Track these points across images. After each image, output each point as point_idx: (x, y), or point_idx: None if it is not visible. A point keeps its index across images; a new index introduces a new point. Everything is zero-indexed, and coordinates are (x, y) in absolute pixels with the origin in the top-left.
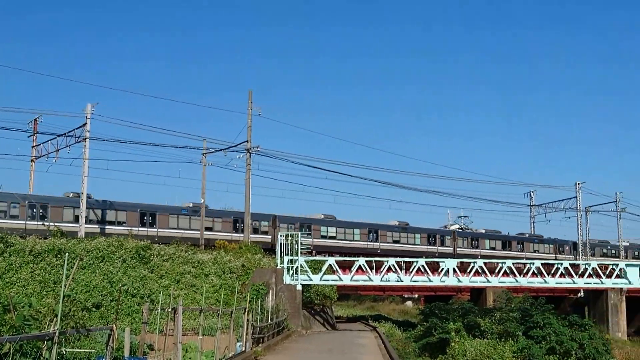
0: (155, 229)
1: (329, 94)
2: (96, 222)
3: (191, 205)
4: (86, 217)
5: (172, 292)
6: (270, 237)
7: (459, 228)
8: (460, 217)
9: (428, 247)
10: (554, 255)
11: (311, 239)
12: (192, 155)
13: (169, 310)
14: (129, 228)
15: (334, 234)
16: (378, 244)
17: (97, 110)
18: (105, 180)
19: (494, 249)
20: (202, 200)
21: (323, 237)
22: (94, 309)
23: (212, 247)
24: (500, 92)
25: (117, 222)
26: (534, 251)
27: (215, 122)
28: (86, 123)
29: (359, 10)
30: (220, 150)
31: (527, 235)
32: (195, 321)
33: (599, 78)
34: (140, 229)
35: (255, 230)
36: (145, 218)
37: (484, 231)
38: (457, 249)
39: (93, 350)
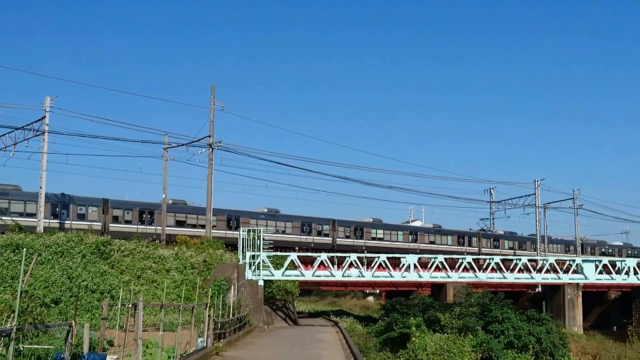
0: (417, 244)
1: (294, 93)
2: (192, 225)
3: (266, 210)
4: (183, 221)
5: (132, 287)
6: (330, 239)
7: (481, 229)
8: (482, 219)
9: (458, 247)
10: (561, 254)
11: (314, 238)
12: (154, 150)
13: (129, 306)
14: (218, 231)
15: (382, 236)
16: (417, 244)
17: (56, 103)
18: (64, 174)
19: (512, 248)
20: (164, 196)
21: (373, 238)
22: (52, 305)
23: (174, 243)
24: (461, 92)
25: (392, 239)
26: (543, 250)
27: (177, 116)
28: (45, 116)
29: (323, 13)
30: (182, 145)
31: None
32: (156, 317)
33: (556, 77)
34: (227, 232)
35: (319, 233)
36: (231, 222)
37: (502, 232)
38: (482, 248)
39: (51, 347)
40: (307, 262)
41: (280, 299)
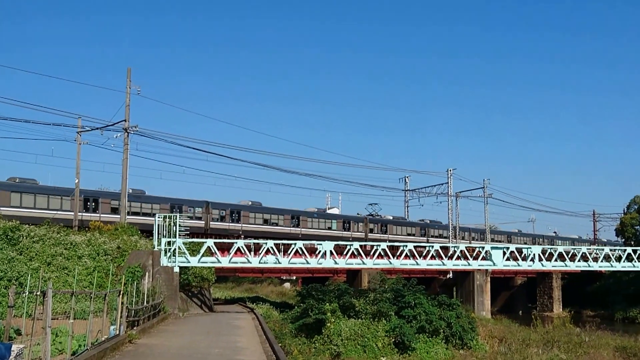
0: (299, 229)
1: (217, 81)
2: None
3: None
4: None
5: (42, 274)
6: (203, 222)
7: (369, 214)
8: (371, 204)
9: (343, 232)
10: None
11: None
12: (67, 134)
13: (38, 293)
14: (281, 228)
15: (261, 220)
16: (299, 229)
17: None
18: None
19: (400, 233)
20: (77, 180)
21: (251, 223)
22: None
23: (87, 229)
24: (377, 81)
25: (272, 223)
26: (439, 236)
27: (93, 100)
28: None
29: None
30: (97, 128)
31: (428, 221)
32: (67, 304)
33: (468, 69)
34: (291, 228)
35: (191, 217)
36: (293, 220)
37: (391, 218)
38: (369, 234)
39: None
40: (224, 248)
41: (196, 285)
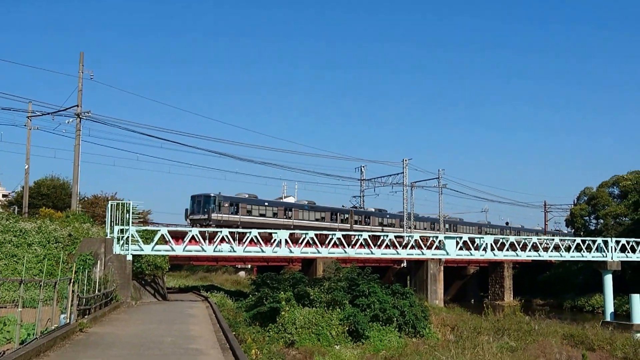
0: (292, 220)
1: (173, 68)
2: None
3: (307, 202)
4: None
5: None
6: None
7: (353, 207)
8: (354, 197)
9: (331, 223)
10: (426, 231)
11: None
12: (17, 118)
13: None
14: (275, 219)
15: (257, 212)
16: (292, 220)
17: None
18: None
19: (381, 224)
20: (27, 166)
21: (248, 214)
22: None
23: (37, 215)
24: (332, 70)
25: (266, 215)
26: (415, 227)
27: (45, 85)
28: None
29: None
30: (48, 113)
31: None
32: (15, 293)
33: (422, 58)
34: (284, 220)
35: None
36: (286, 212)
37: (373, 210)
38: (353, 225)
39: None
40: (178, 236)
41: (149, 274)
